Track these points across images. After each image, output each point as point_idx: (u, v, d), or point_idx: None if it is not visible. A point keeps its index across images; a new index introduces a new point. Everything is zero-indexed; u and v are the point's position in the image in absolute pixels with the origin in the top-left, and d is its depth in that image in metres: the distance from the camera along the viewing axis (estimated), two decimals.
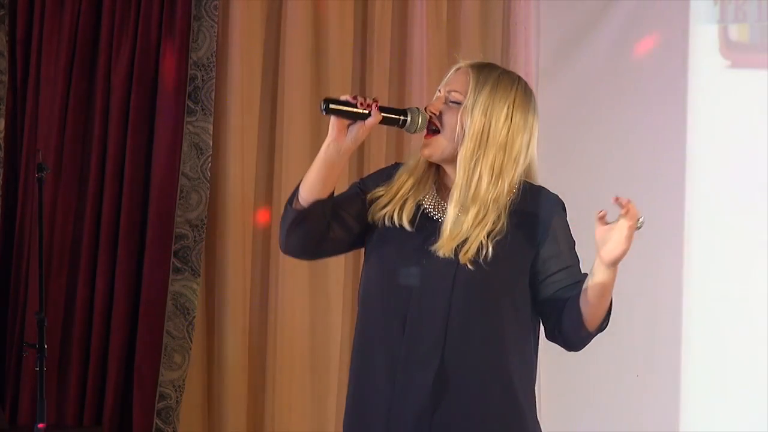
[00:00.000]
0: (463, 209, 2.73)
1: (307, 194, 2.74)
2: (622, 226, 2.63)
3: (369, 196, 2.83)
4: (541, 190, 2.83)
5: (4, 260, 4.85)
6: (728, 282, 4.72)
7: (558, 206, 2.82)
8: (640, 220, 2.65)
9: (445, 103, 2.80)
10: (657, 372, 4.78)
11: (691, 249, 4.77)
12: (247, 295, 4.85)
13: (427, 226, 2.78)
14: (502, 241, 2.72)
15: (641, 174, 4.83)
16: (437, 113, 2.79)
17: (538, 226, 2.77)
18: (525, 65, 4.94)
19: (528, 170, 2.83)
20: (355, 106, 2.70)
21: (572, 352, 2.85)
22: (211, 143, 4.78)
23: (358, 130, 2.71)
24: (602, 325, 2.77)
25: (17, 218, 4.82)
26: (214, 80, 4.80)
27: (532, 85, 4.85)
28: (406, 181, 2.82)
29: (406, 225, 2.77)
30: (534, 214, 2.77)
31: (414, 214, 2.78)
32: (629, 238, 2.65)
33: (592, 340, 2.82)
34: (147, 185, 4.79)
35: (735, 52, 4.81)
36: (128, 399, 4.75)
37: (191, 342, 4.78)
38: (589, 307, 2.70)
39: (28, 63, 4.85)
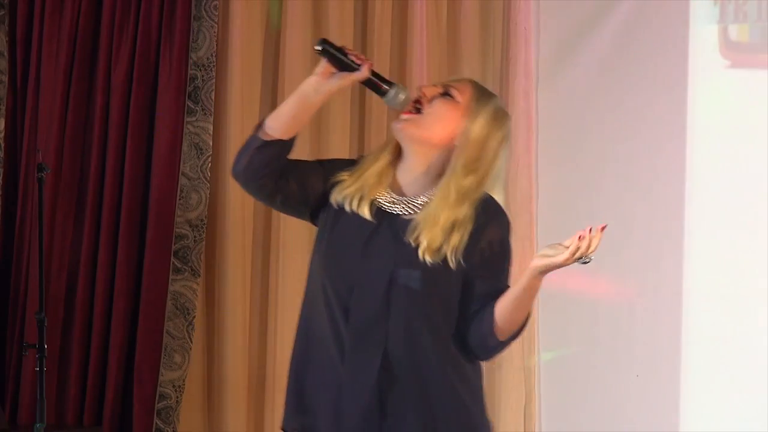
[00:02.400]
0: (446, 204, 2.78)
1: (273, 123, 2.80)
2: (569, 251, 2.66)
3: (332, 178, 2.87)
4: (496, 206, 2.87)
5: (4, 260, 4.85)
6: (728, 282, 4.72)
7: (499, 218, 2.86)
8: (590, 257, 2.64)
9: (440, 94, 2.85)
10: (657, 372, 4.78)
11: (691, 249, 4.77)
12: (247, 295, 4.85)
13: (380, 218, 2.82)
14: (457, 248, 2.77)
15: (641, 174, 4.84)
16: (428, 96, 2.85)
17: (475, 233, 2.80)
18: (525, 65, 4.94)
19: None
20: (348, 57, 2.76)
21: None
22: (211, 143, 4.78)
23: (342, 78, 2.77)
24: (511, 339, 2.82)
25: (17, 218, 4.82)
26: (214, 80, 4.80)
27: (532, 85, 4.95)
28: (370, 168, 2.86)
29: (364, 213, 2.81)
30: (479, 225, 2.81)
31: (370, 206, 2.82)
32: (567, 262, 2.68)
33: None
34: (147, 185, 4.79)
35: (735, 52, 4.81)
36: (128, 399, 4.75)
37: (191, 342, 4.78)
38: (504, 313, 2.75)
39: (28, 63, 4.85)
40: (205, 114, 4.80)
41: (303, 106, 2.80)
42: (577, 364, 4.88)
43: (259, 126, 2.83)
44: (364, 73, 2.77)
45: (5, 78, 4.85)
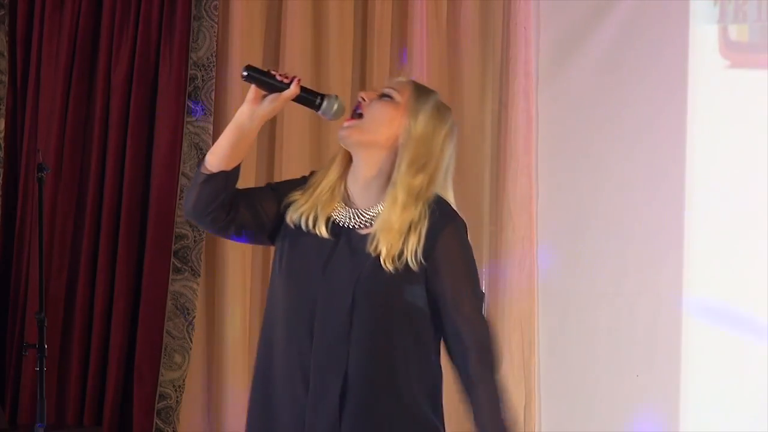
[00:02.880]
0: (396, 206, 2.76)
1: (214, 157, 2.79)
2: None
3: (285, 200, 2.85)
4: (446, 206, 2.83)
5: (4, 260, 4.86)
6: (728, 282, 4.72)
7: (455, 221, 2.81)
8: None
9: (378, 97, 2.84)
10: (657, 372, 4.78)
11: (691, 249, 4.76)
12: (247, 295, 4.86)
13: (337, 234, 2.80)
14: (416, 249, 2.74)
15: (641, 174, 4.83)
16: (367, 100, 2.84)
17: (431, 234, 2.76)
18: (525, 65, 4.94)
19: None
20: (275, 78, 2.76)
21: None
22: (211, 143, 4.78)
23: (272, 100, 2.76)
24: None
25: (17, 218, 4.83)
26: (214, 80, 4.81)
27: (532, 84, 4.95)
28: (321, 183, 2.84)
29: (321, 231, 2.79)
30: (433, 226, 2.77)
31: (326, 223, 2.80)
32: None
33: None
34: (147, 185, 4.79)
35: (735, 52, 4.81)
36: (128, 399, 4.75)
37: (191, 342, 4.78)
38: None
39: (28, 63, 4.86)
40: (205, 114, 4.80)
41: (240, 135, 2.79)
42: (577, 364, 4.87)
43: (201, 161, 2.83)
44: (293, 90, 2.75)
45: (5, 78, 4.85)
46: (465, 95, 4.97)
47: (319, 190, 2.83)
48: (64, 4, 4.83)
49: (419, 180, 2.78)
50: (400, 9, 4.96)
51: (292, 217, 2.83)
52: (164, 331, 4.75)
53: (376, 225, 2.77)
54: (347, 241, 2.78)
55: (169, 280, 4.75)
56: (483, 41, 5.02)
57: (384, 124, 2.81)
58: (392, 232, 2.74)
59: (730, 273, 4.72)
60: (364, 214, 2.81)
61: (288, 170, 4.80)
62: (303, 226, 2.81)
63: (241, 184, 4.86)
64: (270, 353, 2.82)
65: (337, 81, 4.86)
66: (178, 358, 4.76)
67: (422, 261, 2.74)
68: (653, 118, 4.82)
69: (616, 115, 4.88)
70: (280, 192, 2.88)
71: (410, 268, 2.73)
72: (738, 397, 4.69)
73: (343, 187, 2.85)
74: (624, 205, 4.85)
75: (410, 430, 2.76)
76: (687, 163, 4.79)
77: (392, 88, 2.85)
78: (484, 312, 2.81)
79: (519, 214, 4.91)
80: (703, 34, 4.80)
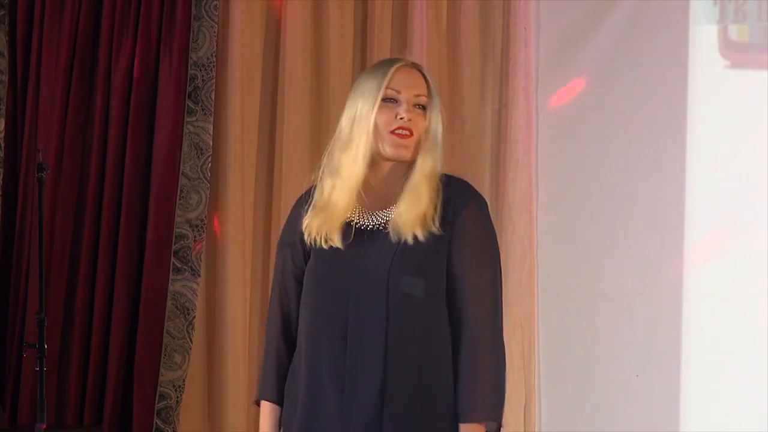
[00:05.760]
0: (415, 202, 2.79)
1: None
2: None
3: (302, 237, 2.87)
4: (457, 181, 2.88)
5: (4, 260, 4.85)
6: (728, 282, 4.72)
7: (469, 198, 2.86)
8: None
9: (415, 107, 2.85)
10: (657, 372, 4.78)
11: (691, 249, 4.77)
12: (247, 295, 4.86)
13: (358, 238, 2.82)
14: (429, 235, 2.78)
15: (641, 174, 4.84)
16: (407, 118, 2.83)
17: (448, 218, 2.81)
18: (525, 65, 4.94)
19: None
20: None
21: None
22: (211, 143, 4.79)
23: None
24: None
25: (17, 218, 4.82)
26: (214, 80, 4.81)
27: (531, 84, 4.95)
28: (333, 196, 2.84)
29: (338, 244, 2.81)
30: (448, 207, 2.82)
31: (344, 232, 2.82)
32: None
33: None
34: (147, 185, 4.79)
35: (735, 52, 4.81)
36: (128, 399, 4.75)
37: (191, 342, 4.78)
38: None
39: (28, 63, 4.86)
40: (205, 114, 4.80)
41: None
42: (577, 364, 4.88)
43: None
44: None
45: (5, 78, 4.85)
46: (465, 95, 4.97)
47: (331, 207, 2.83)
48: (64, 5, 4.83)
49: (429, 176, 2.82)
50: (400, 9, 4.96)
51: (308, 240, 2.85)
52: (164, 331, 4.75)
53: (396, 216, 2.79)
54: (371, 240, 2.80)
55: (169, 280, 4.75)
56: (483, 41, 5.02)
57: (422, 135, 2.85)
58: (412, 218, 2.77)
59: (730, 273, 4.72)
60: (382, 215, 2.82)
61: (288, 169, 4.80)
62: (322, 245, 2.82)
63: (241, 183, 4.88)
64: (311, 357, 2.84)
65: (337, 81, 4.86)
66: (178, 358, 4.76)
67: (441, 231, 2.77)
68: (653, 118, 4.82)
69: (615, 114, 4.88)
70: (295, 246, 2.89)
71: (433, 246, 2.76)
72: (738, 397, 4.69)
73: (359, 193, 2.85)
74: (624, 205, 4.85)
75: (447, 411, 2.79)
76: (687, 162, 4.79)
77: (423, 95, 2.85)
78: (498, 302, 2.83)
79: (519, 214, 4.91)
80: (703, 34, 4.80)
